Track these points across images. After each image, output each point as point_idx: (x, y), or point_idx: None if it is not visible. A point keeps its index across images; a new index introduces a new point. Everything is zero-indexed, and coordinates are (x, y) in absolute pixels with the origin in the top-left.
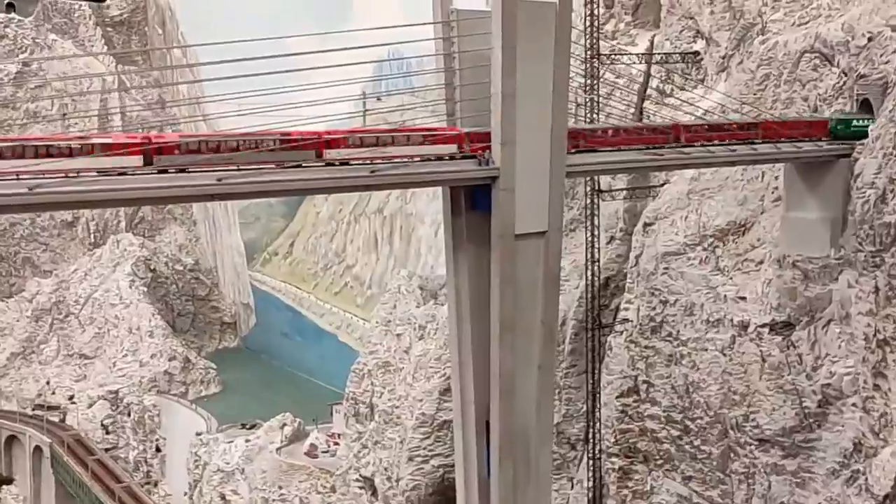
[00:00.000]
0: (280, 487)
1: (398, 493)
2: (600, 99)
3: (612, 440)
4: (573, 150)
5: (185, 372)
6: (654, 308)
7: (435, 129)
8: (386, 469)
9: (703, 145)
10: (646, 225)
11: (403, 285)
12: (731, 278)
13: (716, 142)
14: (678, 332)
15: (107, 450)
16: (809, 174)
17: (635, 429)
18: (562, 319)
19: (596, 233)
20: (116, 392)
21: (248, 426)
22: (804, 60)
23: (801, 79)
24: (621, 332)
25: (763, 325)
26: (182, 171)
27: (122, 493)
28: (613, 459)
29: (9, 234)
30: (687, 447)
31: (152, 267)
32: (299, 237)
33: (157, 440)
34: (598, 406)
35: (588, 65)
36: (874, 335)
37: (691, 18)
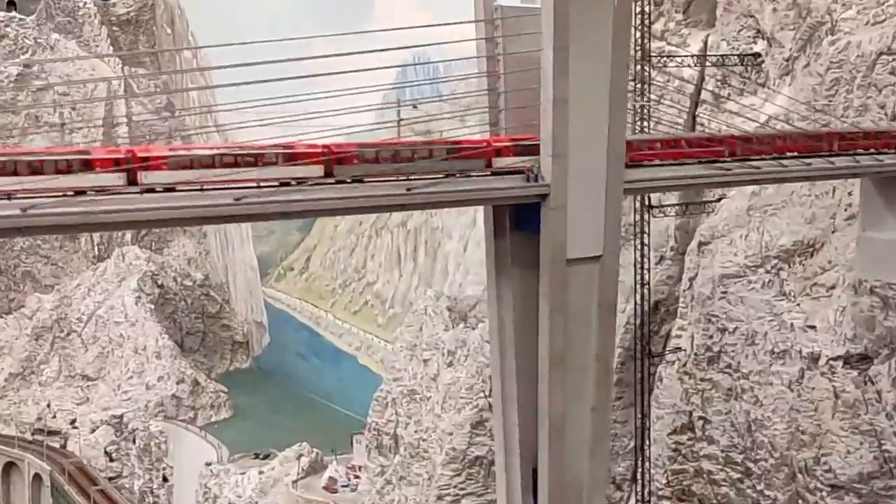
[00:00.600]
0: None
1: None
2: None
3: (664, 481)
4: (630, 164)
5: (193, 396)
6: (710, 336)
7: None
8: None
9: (774, 158)
10: (701, 244)
11: (430, 306)
12: (798, 304)
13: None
14: (738, 363)
15: (110, 478)
16: (890, 190)
17: (690, 469)
18: None
19: (645, 252)
20: (121, 417)
21: (261, 456)
22: (880, 63)
23: (877, 83)
24: (673, 362)
25: (836, 358)
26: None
27: None
28: (664, 503)
29: (7, 245)
30: (749, 491)
31: (160, 282)
32: (316, 251)
33: (163, 469)
34: (647, 443)
35: (637, 67)
36: None
37: (751, 17)
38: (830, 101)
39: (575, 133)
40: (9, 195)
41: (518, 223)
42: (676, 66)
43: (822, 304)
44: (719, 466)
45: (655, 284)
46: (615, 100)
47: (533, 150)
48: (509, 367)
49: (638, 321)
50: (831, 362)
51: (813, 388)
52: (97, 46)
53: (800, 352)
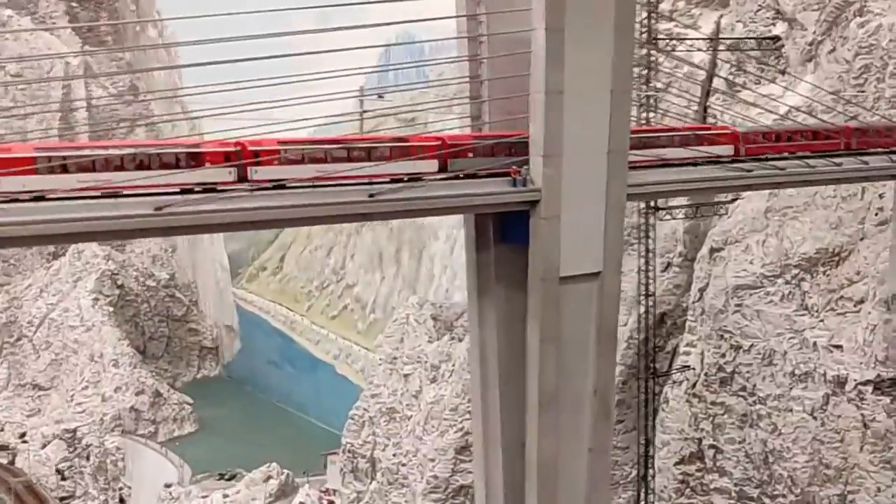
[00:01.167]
0: None
1: None
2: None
3: None
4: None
5: (154, 408)
6: (722, 355)
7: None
8: None
9: (800, 157)
10: (713, 251)
11: (413, 315)
12: (821, 321)
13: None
14: (754, 386)
15: (62, 499)
16: None
17: None
18: None
19: (650, 258)
20: (74, 431)
21: (226, 476)
22: None
23: None
24: (680, 383)
25: (865, 383)
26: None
27: None
28: None
29: None
30: None
31: (120, 283)
32: (291, 250)
33: (120, 490)
34: (651, 472)
35: (642, 50)
36: None
37: None
38: (860, 90)
39: (571, 129)
40: (115, 193)
41: (503, 233)
42: (686, 51)
43: (850, 320)
44: (732, 502)
45: (661, 294)
46: (618, 90)
47: (520, 148)
48: (492, 401)
49: (641, 336)
50: (860, 387)
51: (839, 417)
52: (54, 23)
53: (824, 375)
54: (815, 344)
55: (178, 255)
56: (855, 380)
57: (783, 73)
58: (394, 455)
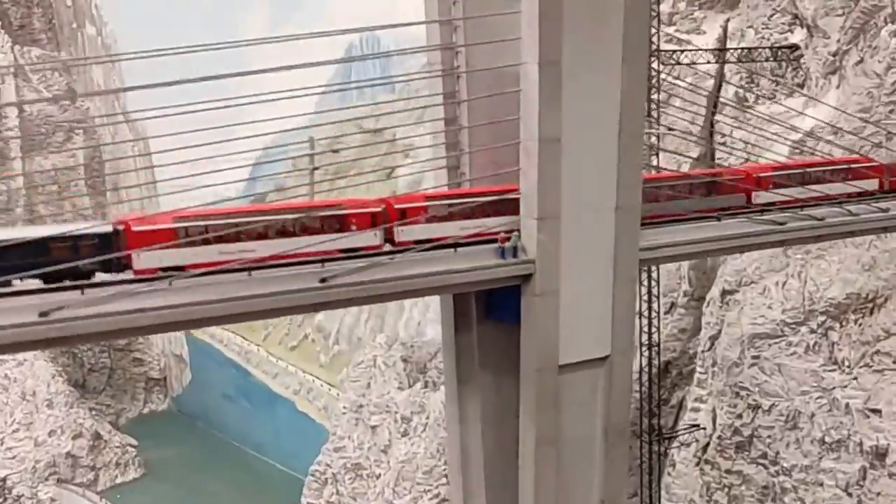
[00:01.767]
0: None
1: None
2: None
3: None
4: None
5: (94, 452)
6: (738, 415)
7: None
8: None
9: (839, 203)
10: (725, 293)
11: (380, 356)
12: (855, 378)
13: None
14: (777, 453)
15: None
16: None
17: None
18: None
19: (652, 299)
20: (3, 480)
21: None
22: None
23: None
24: (689, 444)
25: None
26: None
27: None
28: None
29: None
30: None
31: None
32: None
33: None
34: None
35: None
36: None
37: None
38: (892, 109)
39: (571, 183)
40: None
41: (489, 308)
42: (689, 63)
43: (889, 379)
44: None
45: (665, 340)
46: (627, 132)
47: (508, 208)
48: None
49: (643, 389)
50: None
51: (878, 494)
52: None
53: (860, 444)
54: (847, 406)
55: None
56: None
57: (802, 86)
58: None
